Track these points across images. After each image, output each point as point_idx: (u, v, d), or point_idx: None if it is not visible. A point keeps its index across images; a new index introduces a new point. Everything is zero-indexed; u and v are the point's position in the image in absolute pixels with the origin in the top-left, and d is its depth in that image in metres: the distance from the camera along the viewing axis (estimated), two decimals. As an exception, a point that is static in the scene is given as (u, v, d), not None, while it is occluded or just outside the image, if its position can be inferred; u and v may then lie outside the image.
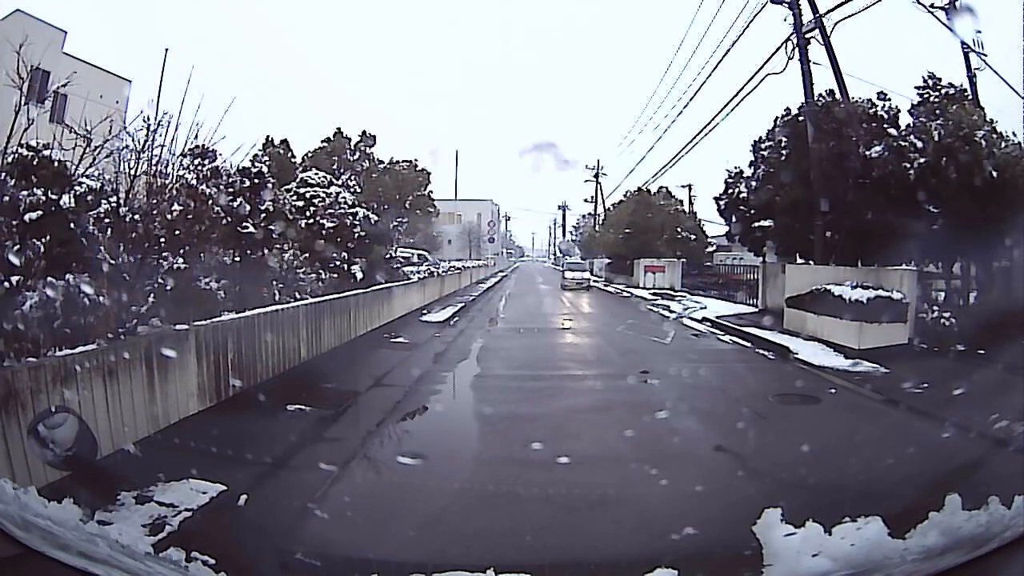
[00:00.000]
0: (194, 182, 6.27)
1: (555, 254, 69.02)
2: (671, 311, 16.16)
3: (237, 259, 7.88)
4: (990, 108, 10.49)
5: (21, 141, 5.07)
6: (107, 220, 5.33)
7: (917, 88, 11.05)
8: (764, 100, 13.90)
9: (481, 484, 4.18)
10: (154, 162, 5.66)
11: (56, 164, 5.22)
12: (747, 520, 2.87)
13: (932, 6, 11.61)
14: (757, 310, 14.57)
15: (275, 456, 4.44)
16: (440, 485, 4.05)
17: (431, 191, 34.63)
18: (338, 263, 11.21)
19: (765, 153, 12.92)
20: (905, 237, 9.40)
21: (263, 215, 8.24)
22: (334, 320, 9.11)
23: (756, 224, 13.29)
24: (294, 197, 11.37)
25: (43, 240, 4.67)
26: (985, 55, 11.64)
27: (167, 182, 5.73)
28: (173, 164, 5.91)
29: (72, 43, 16.82)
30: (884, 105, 11.03)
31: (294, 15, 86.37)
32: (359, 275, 11.55)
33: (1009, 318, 7.70)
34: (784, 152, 12.41)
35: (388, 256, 13.91)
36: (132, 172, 5.46)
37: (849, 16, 11.39)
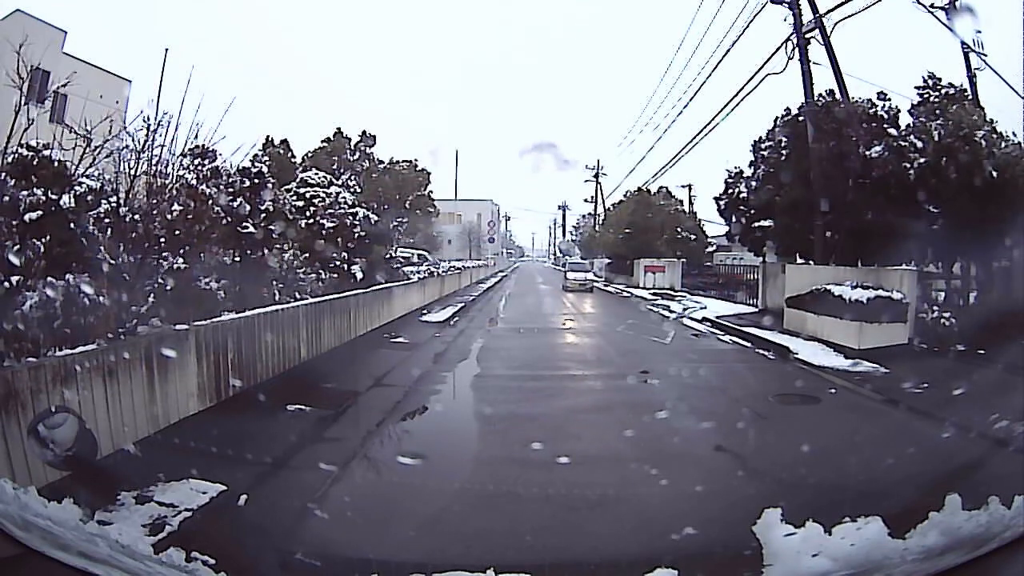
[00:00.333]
0: (194, 182, 6.26)
1: (555, 254, 69.05)
2: (671, 311, 16.16)
3: (237, 259, 7.87)
4: (990, 108, 10.54)
5: (21, 141, 5.06)
6: (107, 220, 5.32)
7: (917, 88, 11.08)
8: (764, 100, 13.94)
9: (481, 484, 4.17)
10: (154, 162, 5.65)
11: (56, 164, 5.21)
12: (747, 520, 2.88)
13: (932, 6, 11.63)
14: (757, 310, 14.57)
15: (275, 456, 4.43)
16: (440, 485, 4.05)
17: (431, 191, 34.70)
18: (338, 263, 11.20)
19: (765, 153, 12.92)
20: (905, 237, 9.41)
21: (263, 215, 8.23)
22: (334, 320, 9.11)
23: (756, 224, 13.29)
24: (294, 197, 11.36)
25: (43, 240, 4.66)
26: (985, 55, 11.67)
27: (167, 182, 5.73)
28: (173, 164, 5.91)
29: (72, 43, 16.85)
30: (884, 105, 11.03)
31: (294, 15, 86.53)
32: (359, 275, 11.54)
33: (1009, 318, 7.70)
34: (784, 152, 12.41)
35: (388, 256, 13.90)
36: (132, 172, 5.46)
37: (849, 16, 11.44)
